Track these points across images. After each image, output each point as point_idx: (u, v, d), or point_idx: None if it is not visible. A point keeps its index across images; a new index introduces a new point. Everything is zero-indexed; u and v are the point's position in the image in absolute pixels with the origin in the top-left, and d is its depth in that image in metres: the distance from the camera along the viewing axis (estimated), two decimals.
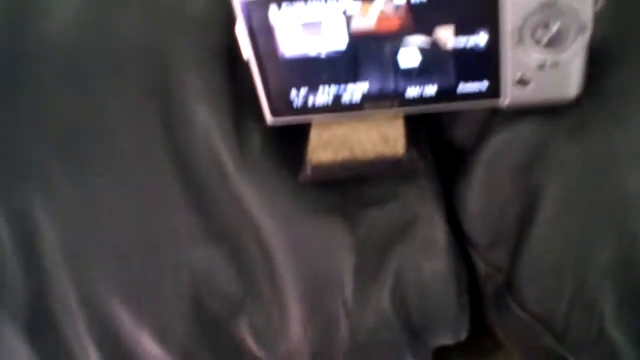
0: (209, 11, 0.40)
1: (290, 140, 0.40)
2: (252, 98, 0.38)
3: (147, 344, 0.40)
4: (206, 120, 0.39)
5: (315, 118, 0.39)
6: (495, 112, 0.39)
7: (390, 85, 0.36)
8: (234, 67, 0.40)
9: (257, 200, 0.39)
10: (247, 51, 0.36)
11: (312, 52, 0.35)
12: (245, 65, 0.37)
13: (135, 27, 0.40)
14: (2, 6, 0.42)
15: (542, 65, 0.35)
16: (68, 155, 0.39)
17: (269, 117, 0.38)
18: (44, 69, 0.40)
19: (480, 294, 0.43)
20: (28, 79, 0.40)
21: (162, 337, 0.40)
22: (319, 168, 0.37)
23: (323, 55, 0.35)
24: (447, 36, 0.34)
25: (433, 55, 0.35)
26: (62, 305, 0.39)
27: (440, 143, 0.43)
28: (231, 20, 0.39)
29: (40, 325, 0.40)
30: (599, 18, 0.33)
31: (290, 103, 0.38)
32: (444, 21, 0.34)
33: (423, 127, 0.42)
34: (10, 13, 0.41)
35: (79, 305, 0.39)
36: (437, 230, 0.40)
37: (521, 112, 0.38)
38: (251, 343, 0.40)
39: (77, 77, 0.40)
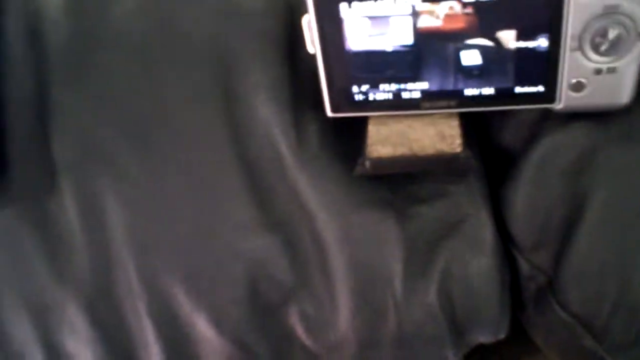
0: (269, 4, 0.42)
1: (346, 133, 0.41)
2: (311, 90, 0.39)
3: (203, 327, 0.41)
4: (267, 112, 0.40)
5: (374, 113, 0.40)
6: (546, 115, 0.40)
7: (450, 84, 0.37)
8: (294, 59, 0.41)
9: (312, 192, 0.40)
10: (314, 44, 0.37)
11: (378, 48, 0.37)
12: (305, 57, 0.38)
13: (198, 18, 0.42)
14: None
15: (599, 71, 0.36)
16: (135, 140, 0.41)
17: (329, 110, 0.39)
18: (113, 55, 0.42)
19: (521, 295, 0.44)
20: (99, 64, 0.42)
21: (218, 320, 0.41)
22: (377, 162, 0.39)
23: (388, 51, 0.37)
24: (509, 39, 0.35)
25: (494, 57, 0.36)
26: (124, 286, 0.40)
27: (489, 145, 0.44)
28: (290, 12, 0.40)
29: (102, 304, 0.41)
30: None
31: (352, 97, 0.39)
32: (507, 24, 0.35)
33: (472, 128, 0.43)
34: (79, 1, 0.43)
35: (140, 287, 0.40)
36: (484, 229, 0.41)
37: (572, 116, 0.39)
38: (300, 331, 0.41)
39: (144, 63, 0.41)
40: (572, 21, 0.34)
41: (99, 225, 0.40)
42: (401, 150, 0.39)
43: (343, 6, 0.36)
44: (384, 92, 0.38)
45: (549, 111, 0.39)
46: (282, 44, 0.41)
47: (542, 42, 0.35)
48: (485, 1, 0.34)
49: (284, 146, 0.40)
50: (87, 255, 0.41)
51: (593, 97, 0.37)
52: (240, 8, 0.42)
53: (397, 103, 0.39)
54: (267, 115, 0.40)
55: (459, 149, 0.38)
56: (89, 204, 0.40)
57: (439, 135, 0.39)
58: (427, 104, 0.38)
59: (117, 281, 0.40)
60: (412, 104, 0.39)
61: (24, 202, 0.41)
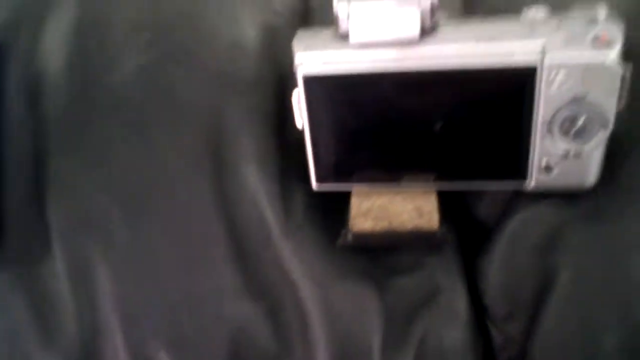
0: (260, 76, 0.44)
1: (330, 204, 0.42)
2: (298, 161, 0.41)
3: None
4: (255, 183, 0.42)
5: (356, 187, 0.41)
6: (518, 193, 0.42)
7: (429, 163, 0.40)
8: (282, 130, 0.43)
9: (296, 262, 0.41)
10: (302, 121, 0.39)
11: (362, 126, 0.39)
12: (293, 129, 0.40)
13: (193, 87, 0.44)
14: (71, 60, 0.45)
15: (567, 154, 0.38)
16: (127, 208, 0.42)
17: (314, 183, 0.41)
18: (110, 122, 0.43)
19: None
20: (96, 131, 0.43)
21: None
22: (359, 236, 0.40)
23: (371, 129, 0.39)
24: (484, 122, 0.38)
25: (471, 139, 0.38)
26: (110, 353, 0.41)
27: (464, 216, 0.46)
28: (281, 83, 0.42)
29: None
30: (618, 115, 0.37)
31: (336, 172, 0.41)
32: (483, 108, 0.37)
33: (449, 201, 0.45)
34: (78, 66, 0.45)
35: (126, 354, 0.40)
36: (459, 300, 0.43)
37: (542, 195, 0.41)
38: None
39: (139, 131, 0.43)
40: (543, 109, 0.37)
41: (89, 292, 0.41)
42: (381, 225, 0.40)
43: (332, 87, 0.38)
44: (367, 168, 0.40)
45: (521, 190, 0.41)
46: (272, 116, 0.43)
47: (515, 127, 0.38)
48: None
49: (270, 216, 0.42)
50: (76, 322, 0.41)
51: (561, 178, 0.39)
52: (233, 79, 0.44)
53: (379, 178, 0.40)
54: (255, 185, 0.42)
55: (436, 226, 0.40)
56: (79, 270, 0.41)
57: (418, 210, 0.41)
58: (406, 181, 0.40)
59: (104, 347, 0.41)
60: (392, 180, 0.40)
61: (17, 267, 0.42)
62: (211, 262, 0.41)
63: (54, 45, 0.46)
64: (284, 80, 0.45)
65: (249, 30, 0.46)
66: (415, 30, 0.35)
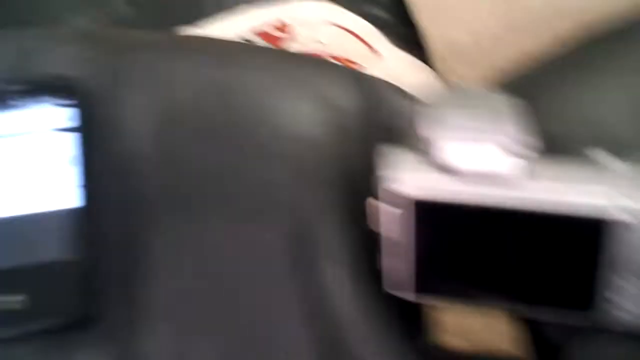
0: (334, 172, 0.47)
1: (405, 309, 0.44)
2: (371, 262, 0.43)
3: None
4: (333, 281, 0.44)
5: (435, 302, 0.43)
6: None
7: (508, 287, 0.41)
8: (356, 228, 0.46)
9: None
10: (379, 229, 0.40)
11: (441, 245, 0.40)
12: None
13: (276, 183, 0.47)
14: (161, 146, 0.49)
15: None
16: (212, 292, 0.45)
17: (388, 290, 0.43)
18: (201, 209, 0.47)
19: None
20: (187, 214, 0.46)
21: None
22: (435, 349, 0.42)
23: (452, 249, 0.40)
24: None
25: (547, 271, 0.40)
26: None
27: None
28: (351, 180, 0.46)
29: None
30: None
31: (412, 283, 0.42)
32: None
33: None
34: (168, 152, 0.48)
35: None
36: None
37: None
38: None
39: (230, 222, 0.46)
40: (622, 254, 0.38)
41: None
42: (459, 342, 0.42)
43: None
44: (446, 284, 0.42)
45: None
46: (347, 214, 0.46)
47: (590, 266, 0.39)
48: None
49: (348, 318, 0.44)
50: None
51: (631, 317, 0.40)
52: (311, 175, 0.47)
53: (459, 296, 0.42)
54: (334, 284, 0.44)
55: (514, 349, 0.41)
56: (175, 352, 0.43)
57: (496, 332, 0.42)
58: (485, 302, 0.42)
59: None
60: (471, 298, 0.42)
61: (112, 347, 0.43)
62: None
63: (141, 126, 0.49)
64: (354, 175, 0.47)
65: (317, 126, 0.49)
66: (509, 169, 0.37)
